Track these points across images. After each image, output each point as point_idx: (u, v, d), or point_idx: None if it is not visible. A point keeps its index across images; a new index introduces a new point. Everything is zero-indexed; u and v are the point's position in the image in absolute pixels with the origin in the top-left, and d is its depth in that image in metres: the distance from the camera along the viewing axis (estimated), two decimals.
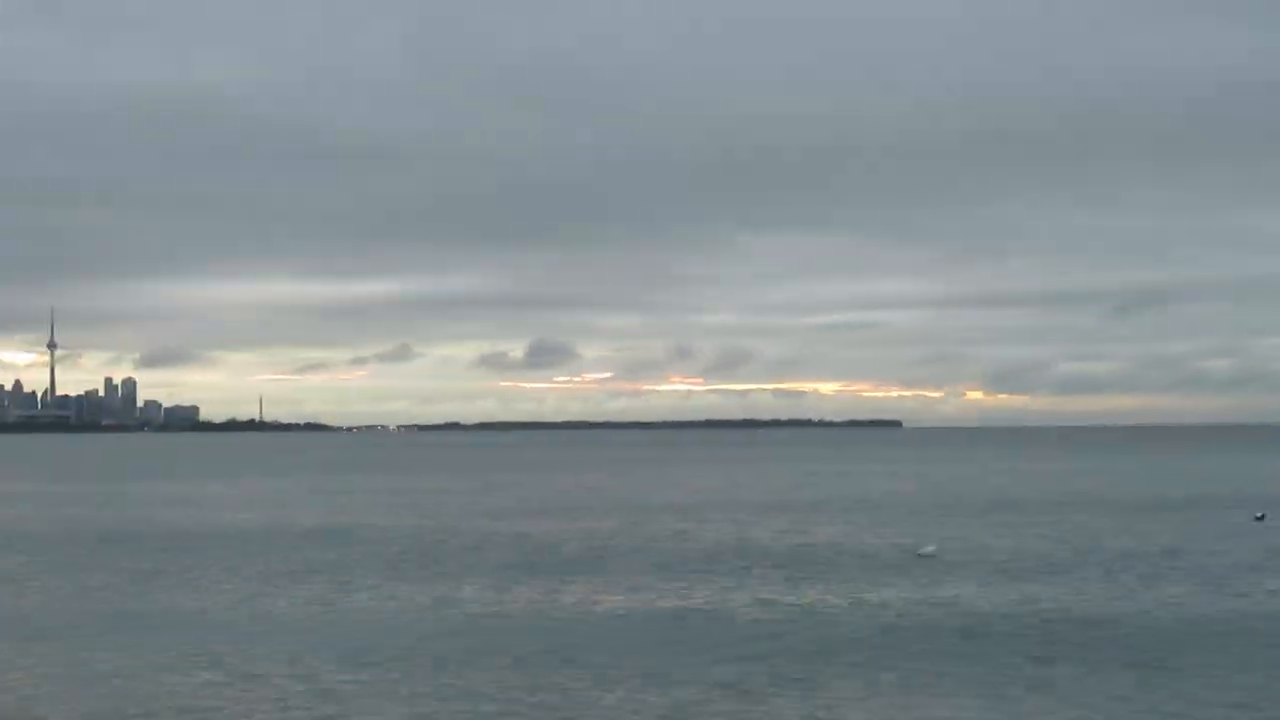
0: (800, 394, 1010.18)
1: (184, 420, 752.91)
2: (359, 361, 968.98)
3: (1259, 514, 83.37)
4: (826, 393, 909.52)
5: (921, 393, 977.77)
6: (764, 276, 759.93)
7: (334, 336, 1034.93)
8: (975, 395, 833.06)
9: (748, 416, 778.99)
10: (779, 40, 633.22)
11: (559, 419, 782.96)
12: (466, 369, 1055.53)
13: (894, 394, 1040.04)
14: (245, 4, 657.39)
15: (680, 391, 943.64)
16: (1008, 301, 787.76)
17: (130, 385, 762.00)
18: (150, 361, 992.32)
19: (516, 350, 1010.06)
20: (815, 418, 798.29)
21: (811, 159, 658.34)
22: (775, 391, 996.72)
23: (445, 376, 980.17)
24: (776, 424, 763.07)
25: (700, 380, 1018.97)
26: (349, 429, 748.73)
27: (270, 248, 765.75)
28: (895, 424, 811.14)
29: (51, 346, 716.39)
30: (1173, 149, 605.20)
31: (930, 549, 61.88)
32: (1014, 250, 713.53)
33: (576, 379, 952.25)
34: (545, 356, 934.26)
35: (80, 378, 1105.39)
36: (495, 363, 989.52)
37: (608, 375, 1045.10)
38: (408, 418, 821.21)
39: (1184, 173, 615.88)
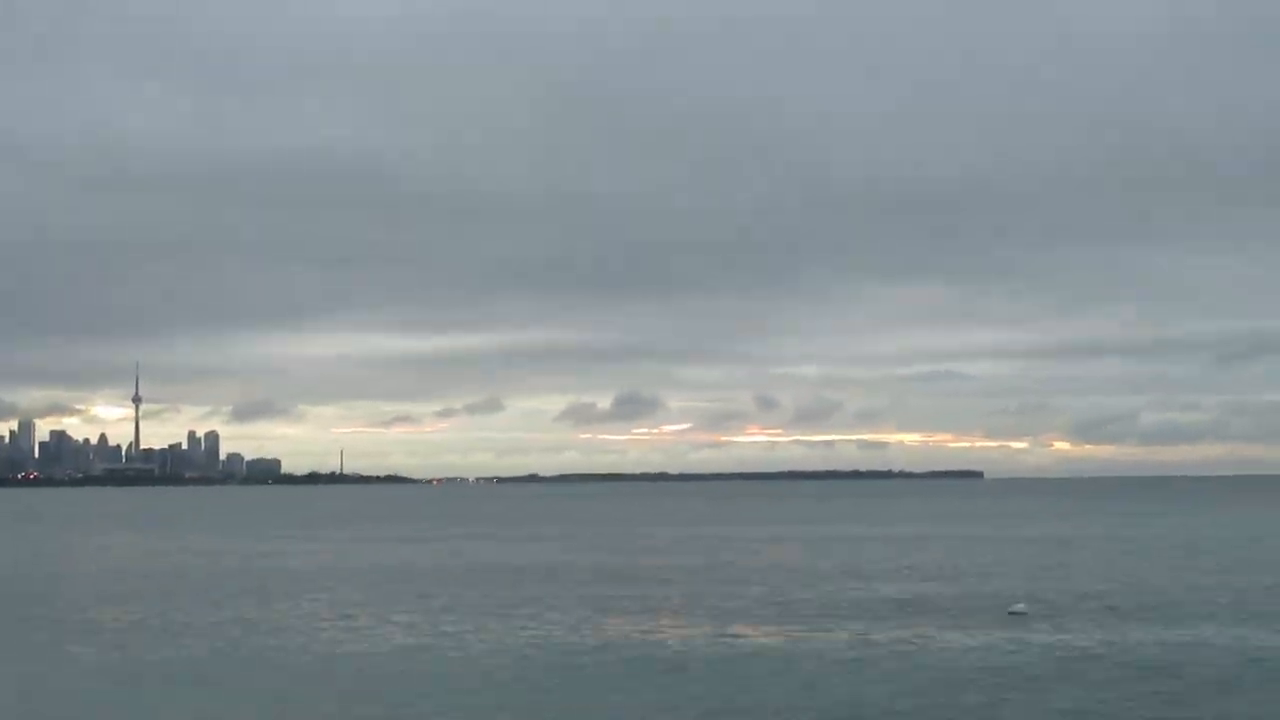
0: (883, 445, 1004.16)
1: (266, 473, 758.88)
2: (445, 414, 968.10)
3: None
4: (910, 443, 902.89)
5: (1006, 443, 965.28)
6: (855, 326, 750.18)
7: (422, 390, 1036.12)
8: (1062, 445, 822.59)
9: (829, 468, 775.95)
10: (875, 85, 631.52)
11: (638, 470, 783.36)
12: (550, 421, 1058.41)
13: (977, 444, 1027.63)
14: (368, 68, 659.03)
15: (762, 443, 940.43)
16: (1104, 350, 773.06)
17: (213, 438, 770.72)
18: (240, 415, 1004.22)
19: (603, 402, 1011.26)
20: (896, 468, 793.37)
21: (913, 205, 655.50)
22: (858, 442, 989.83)
23: (528, 429, 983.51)
24: (857, 475, 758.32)
25: (782, 431, 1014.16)
26: (430, 481, 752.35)
27: (364, 301, 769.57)
28: (977, 474, 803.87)
29: (137, 400, 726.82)
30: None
31: (1020, 607, 59.21)
32: (1124, 297, 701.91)
33: (656, 431, 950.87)
34: (631, 408, 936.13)
35: (168, 430, 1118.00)
36: (580, 415, 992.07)
37: (687, 426, 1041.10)
38: (489, 470, 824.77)
39: None
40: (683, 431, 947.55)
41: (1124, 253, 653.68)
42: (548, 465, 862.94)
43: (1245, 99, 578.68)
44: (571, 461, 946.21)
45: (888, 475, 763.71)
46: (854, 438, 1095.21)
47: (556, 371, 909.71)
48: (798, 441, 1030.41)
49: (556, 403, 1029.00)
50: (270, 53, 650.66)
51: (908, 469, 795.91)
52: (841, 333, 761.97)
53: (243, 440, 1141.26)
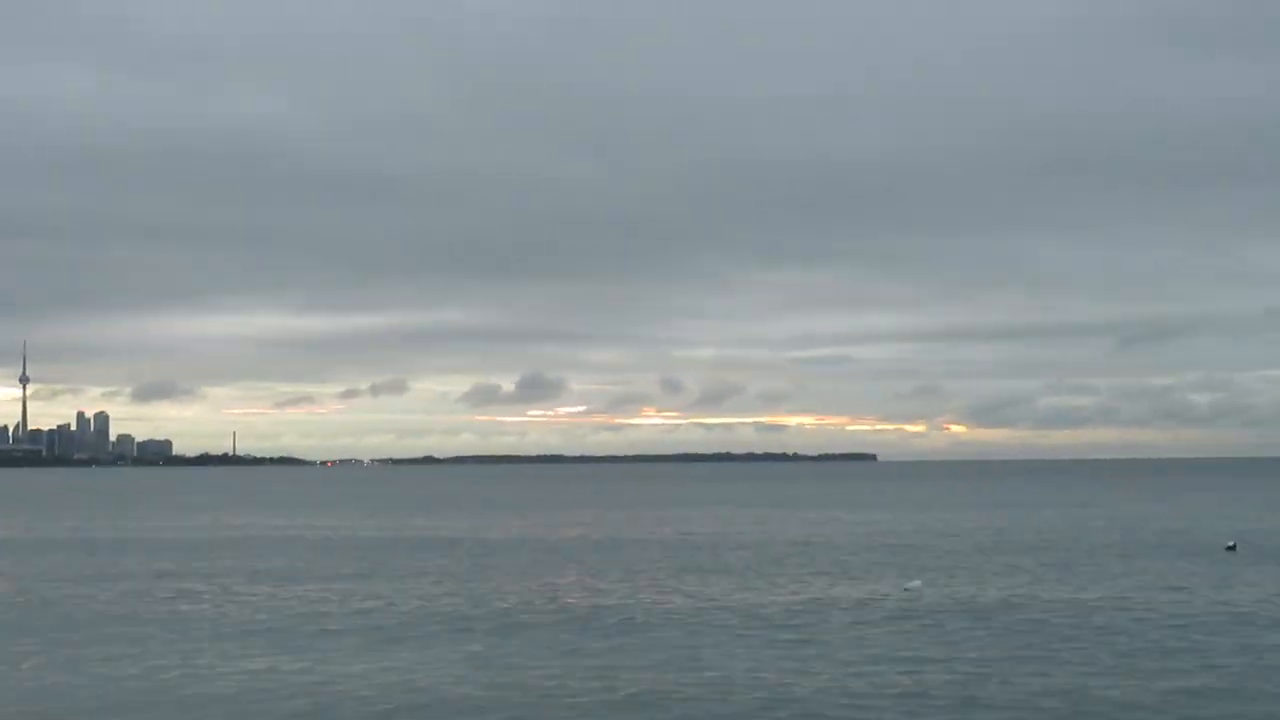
0: (781, 428, 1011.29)
1: (157, 454, 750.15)
2: (346, 395, 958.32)
3: (1230, 544, 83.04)
4: (808, 426, 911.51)
5: (901, 426, 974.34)
6: (751, 309, 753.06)
7: (323, 371, 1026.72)
8: (958, 429, 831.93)
9: (726, 450, 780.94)
10: (772, 72, 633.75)
11: (536, 452, 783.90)
12: (452, 404, 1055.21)
13: (876, 427, 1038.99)
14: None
15: (660, 425, 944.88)
16: (999, 334, 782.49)
17: (103, 420, 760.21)
18: (141, 396, 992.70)
19: (506, 384, 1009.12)
20: (792, 451, 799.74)
21: (814, 190, 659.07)
22: (755, 425, 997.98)
23: (429, 411, 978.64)
24: (752, 457, 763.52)
25: (680, 414, 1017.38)
26: (322, 463, 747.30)
27: (264, 282, 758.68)
28: (870, 457, 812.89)
29: (24, 380, 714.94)
30: (1175, 182, 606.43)
31: (916, 584, 60.68)
32: (1014, 283, 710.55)
33: (552, 413, 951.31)
34: (532, 390, 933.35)
35: (54, 411, 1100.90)
36: (482, 397, 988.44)
37: (583, 408, 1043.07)
38: (387, 451, 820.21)
39: (1185, 206, 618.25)
40: (580, 414, 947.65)
41: (1012, 240, 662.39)
42: (445, 447, 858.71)
43: (1147, 89, 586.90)
44: (469, 444, 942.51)
45: (783, 458, 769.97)
46: (751, 420, 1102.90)
47: (459, 353, 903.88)
48: (696, 424, 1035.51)
49: (460, 385, 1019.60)
50: (174, 28, 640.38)
51: (803, 451, 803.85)
52: (739, 316, 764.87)
53: (137, 422, 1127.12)
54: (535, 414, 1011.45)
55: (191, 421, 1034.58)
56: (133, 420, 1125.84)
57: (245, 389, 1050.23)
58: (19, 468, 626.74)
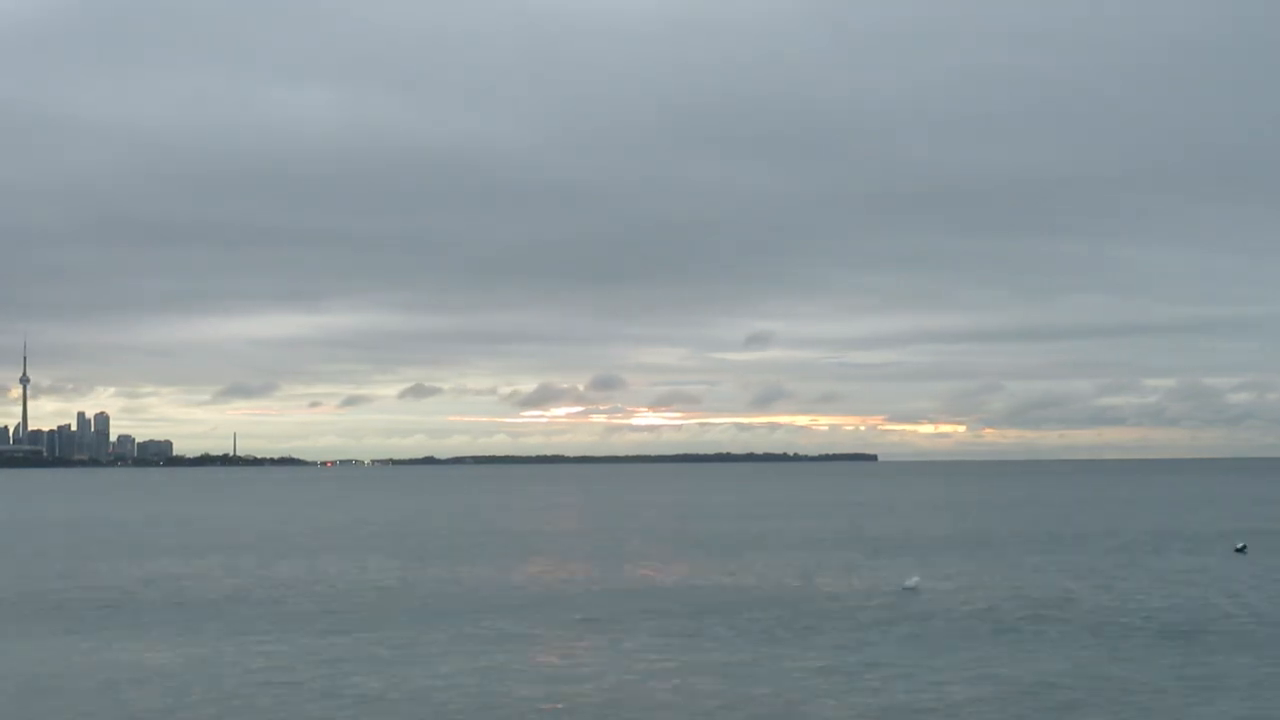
0: (780, 427, 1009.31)
1: (157, 454, 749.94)
2: (352, 398, 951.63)
3: (1239, 545, 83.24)
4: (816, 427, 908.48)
5: (919, 427, 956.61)
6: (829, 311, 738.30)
7: (334, 372, 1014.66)
8: (989, 430, 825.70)
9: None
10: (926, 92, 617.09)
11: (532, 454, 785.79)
12: (454, 405, 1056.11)
13: (901, 428, 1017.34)
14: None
15: (688, 426, 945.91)
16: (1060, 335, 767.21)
17: (104, 420, 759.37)
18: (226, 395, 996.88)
19: (570, 383, 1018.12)
20: (792, 452, 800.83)
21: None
22: (750, 425, 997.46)
23: (427, 413, 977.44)
24: (753, 458, 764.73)
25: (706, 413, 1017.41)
26: (321, 464, 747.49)
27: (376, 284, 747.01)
28: (871, 458, 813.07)
29: (24, 381, 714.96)
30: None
31: (914, 580, 60.98)
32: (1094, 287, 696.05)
33: (547, 415, 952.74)
34: (595, 390, 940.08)
35: (55, 409, 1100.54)
36: (519, 400, 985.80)
37: (580, 409, 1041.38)
38: (385, 452, 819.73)
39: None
40: (578, 414, 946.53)
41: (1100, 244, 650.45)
42: (437, 449, 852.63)
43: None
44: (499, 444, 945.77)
45: (783, 458, 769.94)
46: (756, 420, 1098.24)
47: (498, 355, 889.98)
48: (735, 425, 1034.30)
49: (470, 386, 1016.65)
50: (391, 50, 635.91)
51: (805, 452, 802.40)
52: (809, 318, 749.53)
53: (132, 424, 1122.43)
54: (530, 415, 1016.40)
55: (191, 422, 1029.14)
56: (131, 421, 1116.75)
57: (247, 389, 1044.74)
58: (19, 468, 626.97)
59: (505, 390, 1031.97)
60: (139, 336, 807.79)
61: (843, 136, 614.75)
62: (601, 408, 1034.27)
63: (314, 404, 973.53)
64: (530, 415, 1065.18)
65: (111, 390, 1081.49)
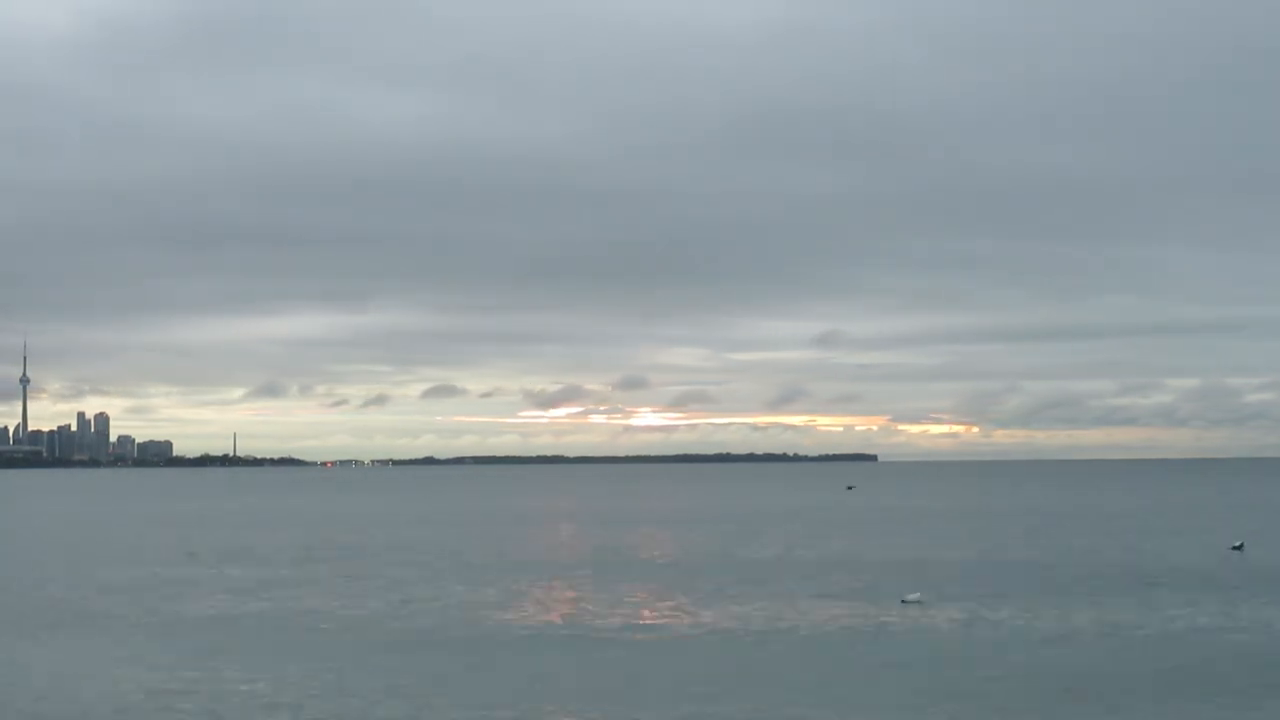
0: (786, 428, 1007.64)
1: (157, 455, 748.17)
2: (347, 398, 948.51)
3: (1236, 543, 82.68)
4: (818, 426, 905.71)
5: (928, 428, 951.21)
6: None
7: (336, 372, 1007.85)
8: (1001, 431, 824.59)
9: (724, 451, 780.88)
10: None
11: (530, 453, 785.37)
12: (454, 407, 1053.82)
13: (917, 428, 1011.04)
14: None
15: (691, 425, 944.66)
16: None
17: (104, 421, 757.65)
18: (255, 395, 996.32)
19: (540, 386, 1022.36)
20: (793, 452, 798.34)
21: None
22: (753, 426, 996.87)
23: (433, 413, 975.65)
24: (753, 458, 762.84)
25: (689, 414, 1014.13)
26: (321, 464, 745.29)
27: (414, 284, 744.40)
28: (871, 458, 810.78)
29: (24, 381, 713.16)
30: None
31: (915, 596, 59.43)
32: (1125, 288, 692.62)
33: (546, 416, 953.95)
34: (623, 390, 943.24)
35: (55, 410, 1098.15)
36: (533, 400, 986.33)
37: (580, 409, 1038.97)
38: (388, 453, 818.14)
39: None
40: (577, 414, 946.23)
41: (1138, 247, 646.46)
42: (445, 449, 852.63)
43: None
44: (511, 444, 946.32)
45: (784, 459, 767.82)
46: (757, 421, 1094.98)
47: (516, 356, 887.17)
48: (747, 425, 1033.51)
49: (467, 388, 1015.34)
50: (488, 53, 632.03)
51: (806, 453, 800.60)
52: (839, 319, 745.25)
53: (132, 424, 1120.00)
54: (529, 415, 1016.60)
55: (191, 422, 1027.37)
56: (131, 421, 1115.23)
57: (247, 390, 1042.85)
58: (19, 469, 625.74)
59: (520, 390, 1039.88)
60: (172, 336, 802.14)
61: (906, 140, 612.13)
62: (601, 408, 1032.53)
63: (338, 403, 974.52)
64: (529, 415, 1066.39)
65: (137, 391, 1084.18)
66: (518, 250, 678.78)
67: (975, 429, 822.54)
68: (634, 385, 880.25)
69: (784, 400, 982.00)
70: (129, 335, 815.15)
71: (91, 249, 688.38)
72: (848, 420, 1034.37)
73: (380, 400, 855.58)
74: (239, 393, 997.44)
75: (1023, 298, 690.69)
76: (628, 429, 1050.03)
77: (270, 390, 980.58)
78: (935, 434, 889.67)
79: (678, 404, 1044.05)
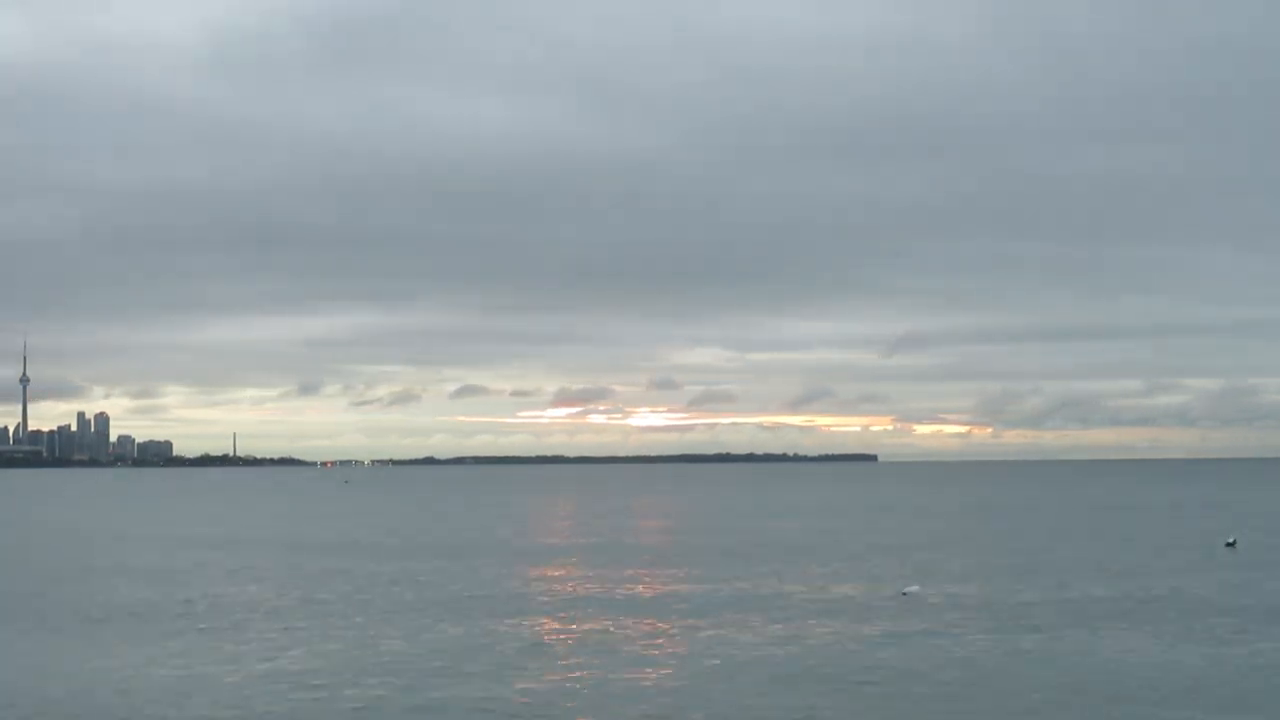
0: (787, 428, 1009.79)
1: (157, 455, 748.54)
2: (356, 397, 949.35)
3: (1229, 540, 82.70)
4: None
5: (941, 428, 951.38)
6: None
7: (332, 372, 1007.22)
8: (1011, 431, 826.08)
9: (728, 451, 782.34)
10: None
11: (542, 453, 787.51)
12: (453, 406, 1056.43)
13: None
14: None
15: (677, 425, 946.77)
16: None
17: (104, 421, 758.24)
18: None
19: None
20: (793, 452, 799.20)
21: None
22: (758, 425, 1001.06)
23: (435, 413, 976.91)
24: (753, 458, 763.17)
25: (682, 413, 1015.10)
26: (321, 464, 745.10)
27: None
28: (871, 458, 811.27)
29: (24, 381, 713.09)
30: None
31: (914, 588, 59.28)
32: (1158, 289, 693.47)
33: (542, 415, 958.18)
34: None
35: (55, 410, 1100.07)
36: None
37: (579, 409, 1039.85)
38: (394, 453, 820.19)
39: None
40: (576, 414, 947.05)
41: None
42: (446, 448, 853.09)
43: None
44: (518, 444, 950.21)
45: (783, 459, 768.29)
46: (761, 420, 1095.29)
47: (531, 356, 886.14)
48: (755, 425, 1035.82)
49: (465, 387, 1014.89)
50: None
51: (807, 452, 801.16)
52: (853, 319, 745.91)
53: (132, 424, 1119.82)
54: (528, 415, 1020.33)
55: (190, 422, 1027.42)
56: (131, 422, 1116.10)
57: (248, 390, 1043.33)
58: (19, 468, 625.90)
59: (535, 390, 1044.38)
60: (205, 335, 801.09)
61: (964, 145, 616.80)
62: (601, 407, 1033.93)
63: (362, 402, 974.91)
64: (527, 415, 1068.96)
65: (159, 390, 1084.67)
66: (568, 251, 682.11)
67: (988, 430, 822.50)
68: (662, 385, 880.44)
69: (805, 400, 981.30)
70: (170, 335, 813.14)
71: (136, 251, 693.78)
72: (859, 420, 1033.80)
73: (404, 399, 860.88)
74: (249, 393, 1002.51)
75: (1060, 299, 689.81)
76: (633, 430, 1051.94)
77: (292, 390, 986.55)
78: (945, 434, 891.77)
79: (696, 404, 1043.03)
